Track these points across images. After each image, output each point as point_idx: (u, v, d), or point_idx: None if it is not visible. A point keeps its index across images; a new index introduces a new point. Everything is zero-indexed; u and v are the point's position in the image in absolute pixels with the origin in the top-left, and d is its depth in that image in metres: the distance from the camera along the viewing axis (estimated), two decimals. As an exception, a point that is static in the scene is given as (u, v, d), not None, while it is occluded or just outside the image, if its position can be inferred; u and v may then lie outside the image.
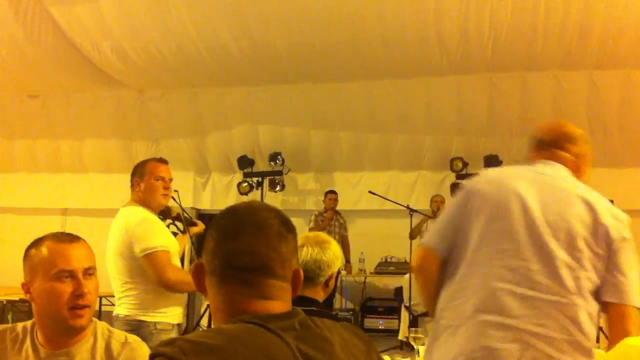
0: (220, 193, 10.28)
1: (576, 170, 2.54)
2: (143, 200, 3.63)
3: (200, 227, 4.10)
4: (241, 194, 9.69)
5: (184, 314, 9.12)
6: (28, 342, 2.08)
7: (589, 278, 2.22)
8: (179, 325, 3.61)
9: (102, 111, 9.97)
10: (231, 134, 9.86)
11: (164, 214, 3.89)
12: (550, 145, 2.58)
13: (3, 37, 8.19)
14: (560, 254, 2.22)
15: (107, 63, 8.52)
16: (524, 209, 2.30)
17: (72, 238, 2.11)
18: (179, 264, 3.68)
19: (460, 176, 9.02)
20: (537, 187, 2.37)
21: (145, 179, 3.63)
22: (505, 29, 7.37)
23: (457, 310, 2.29)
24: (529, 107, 8.71)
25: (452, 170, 9.12)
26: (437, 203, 8.78)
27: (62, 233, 2.15)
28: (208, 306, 7.64)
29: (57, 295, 2.01)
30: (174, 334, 3.49)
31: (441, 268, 2.40)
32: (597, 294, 2.23)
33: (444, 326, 2.31)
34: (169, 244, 3.53)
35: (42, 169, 10.62)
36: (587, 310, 2.19)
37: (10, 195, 10.63)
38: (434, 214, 8.64)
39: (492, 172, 2.55)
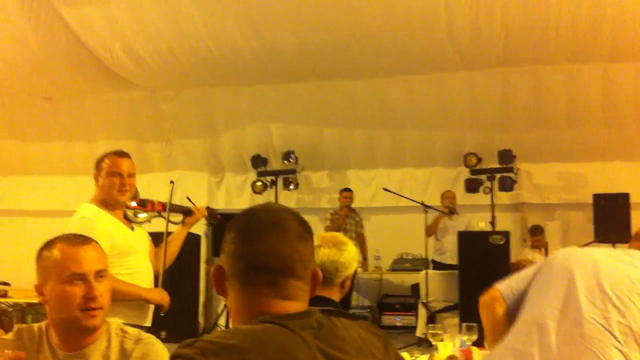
0: (234, 192, 10.30)
1: None
2: (100, 197, 3.49)
3: (199, 212, 3.92)
4: (255, 193, 9.70)
5: (201, 313, 9.18)
6: (45, 343, 2.09)
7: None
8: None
9: (115, 113, 10.01)
10: (244, 133, 9.88)
11: (143, 206, 3.68)
12: None
13: (15, 41, 8.23)
14: None
15: (119, 64, 8.55)
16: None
17: (83, 240, 2.12)
18: (144, 264, 3.55)
19: (474, 171, 9.00)
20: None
21: (102, 175, 3.47)
22: (517, 23, 7.33)
23: None
24: (542, 101, 8.67)
25: (466, 165, 9.08)
26: (448, 199, 8.75)
27: (74, 235, 2.16)
28: (225, 305, 7.67)
29: (69, 298, 2.02)
30: None
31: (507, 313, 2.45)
32: None
33: None
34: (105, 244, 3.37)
35: (56, 172, 10.66)
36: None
37: (25, 197, 10.68)
38: (449, 210, 8.63)
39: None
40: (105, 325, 2.13)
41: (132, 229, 3.60)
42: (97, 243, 2.15)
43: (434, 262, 8.81)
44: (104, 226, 3.37)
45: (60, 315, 2.04)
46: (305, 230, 1.44)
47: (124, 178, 3.46)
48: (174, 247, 3.78)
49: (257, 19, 7.60)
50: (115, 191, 3.44)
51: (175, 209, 3.82)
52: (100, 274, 2.07)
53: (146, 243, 3.67)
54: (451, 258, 8.68)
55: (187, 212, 3.88)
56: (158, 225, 3.77)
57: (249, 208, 1.48)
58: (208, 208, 4.16)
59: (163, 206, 3.75)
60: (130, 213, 3.63)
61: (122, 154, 3.55)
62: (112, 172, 3.45)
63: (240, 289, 1.39)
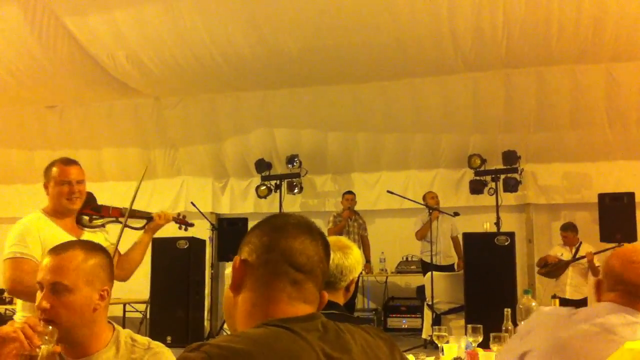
0: (238, 197, 10.32)
1: None
2: (51, 206, 3.46)
3: (161, 219, 3.74)
4: (260, 197, 9.73)
5: (207, 318, 9.21)
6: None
7: None
8: None
9: (120, 120, 10.06)
10: (248, 138, 9.91)
11: (97, 212, 3.63)
12: None
13: (19, 50, 8.27)
14: None
15: (123, 72, 8.58)
16: None
17: (62, 248, 2.10)
18: None
19: (479, 173, 9.00)
20: None
21: (51, 184, 3.44)
22: (519, 25, 7.34)
23: None
24: (546, 102, 8.69)
25: (470, 167, 9.08)
26: (434, 200, 8.67)
27: (63, 244, 2.14)
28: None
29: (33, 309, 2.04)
30: None
31: None
32: None
33: None
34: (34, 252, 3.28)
35: (62, 179, 10.69)
36: None
37: (32, 205, 10.63)
38: (452, 212, 8.60)
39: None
40: (114, 333, 2.13)
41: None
42: (83, 251, 2.10)
43: (423, 263, 8.78)
44: (39, 232, 3.34)
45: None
46: (327, 245, 1.48)
47: (72, 186, 3.44)
48: (136, 254, 3.68)
49: (260, 24, 7.62)
50: (65, 199, 3.42)
51: (134, 214, 3.74)
52: (57, 287, 2.00)
53: None
54: (444, 259, 8.70)
55: (148, 219, 3.78)
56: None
57: (277, 213, 1.52)
58: (178, 215, 4.04)
59: (120, 212, 3.69)
60: (85, 219, 3.60)
61: (69, 162, 3.52)
62: (60, 180, 3.43)
63: (266, 282, 1.39)
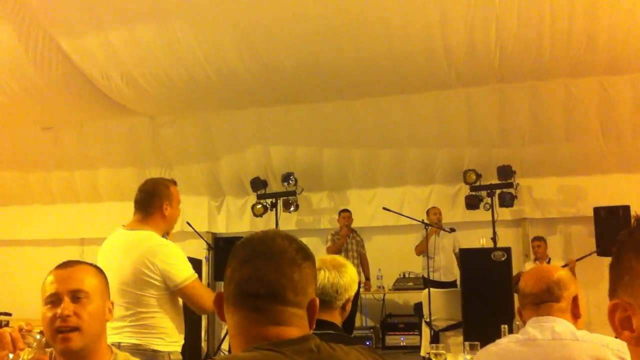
0: (234, 216, 10.30)
1: None
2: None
3: None
4: (256, 215, 9.71)
5: (204, 339, 9.15)
6: None
7: None
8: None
9: (115, 140, 10.05)
10: (243, 156, 9.90)
11: None
12: None
13: (14, 71, 8.28)
14: None
15: (117, 91, 8.58)
16: None
17: (71, 263, 2.11)
18: None
19: (474, 188, 9.01)
20: None
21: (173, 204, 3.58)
22: (512, 40, 7.37)
23: None
24: (540, 116, 8.71)
25: (466, 182, 9.07)
26: (436, 215, 8.70)
27: (69, 261, 2.15)
28: (227, 331, 7.63)
29: (45, 320, 2.00)
30: None
31: None
32: None
33: None
34: None
35: (57, 200, 10.69)
36: None
37: (27, 227, 10.69)
38: (449, 228, 8.60)
39: None
40: (112, 356, 2.12)
41: None
42: (87, 266, 2.13)
43: (424, 279, 8.74)
44: None
45: (48, 339, 2.00)
46: (302, 257, 1.43)
47: None
48: None
49: (254, 42, 7.63)
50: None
51: None
52: (77, 295, 2.02)
53: None
54: (445, 275, 8.67)
55: None
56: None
57: (249, 235, 1.49)
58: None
59: None
60: None
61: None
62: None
63: (233, 313, 1.40)
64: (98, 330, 2.05)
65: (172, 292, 3.32)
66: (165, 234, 3.59)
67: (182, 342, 3.46)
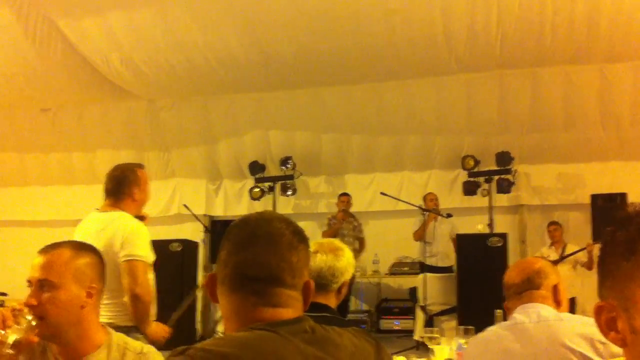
0: (232, 199, 10.29)
1: None
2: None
3: None
4: (253, 199, 9.71)
5: (199, 320, 9.18)
6: (48, 351, 2.09)
7: None
8: None
9: (113, 122, 10.02)
10: (242, 140, 9.88)
11: None
12: None
13: (13, 53, 8.25)
14: None
15: (116, 74, 8.57)
16: None
17: (47, 249, 2.10)
18: None
19: (472, 174, 9.00)
20: None
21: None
22: (513, 26, 7.35)
23: None
24: (539, 103, 8.69)
25: (464, 168, 9.07)
26: (433, 201, 8.69)
27: (52, 244, 2.14)
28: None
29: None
30: None
31: None
32: None
33: None
34: None
35: (55, 182, 10.67)
36: None
37: (24, 208, 10.68)
38: (446, 213, 8.60)
39: None
40: (107, 336, 2.13)
41: None
42: (71, 250, 2.11)
43: (422, 264, 8.76)
44: None
45: None
46: (298, 240, 1.44)
47: None
48: None
49: (254, 27, 7.61)
50: None
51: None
52: (43, 284, 2.02)
53: None
54: (442, 260, 8.67)
55: None
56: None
57: (244, 216, 1.50)
58: None
59: None
60: None
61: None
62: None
63: (228, 295, 1.40)
64: (70, 318, 2.03)
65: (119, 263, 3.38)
66: (142, 218, 3.69)
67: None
